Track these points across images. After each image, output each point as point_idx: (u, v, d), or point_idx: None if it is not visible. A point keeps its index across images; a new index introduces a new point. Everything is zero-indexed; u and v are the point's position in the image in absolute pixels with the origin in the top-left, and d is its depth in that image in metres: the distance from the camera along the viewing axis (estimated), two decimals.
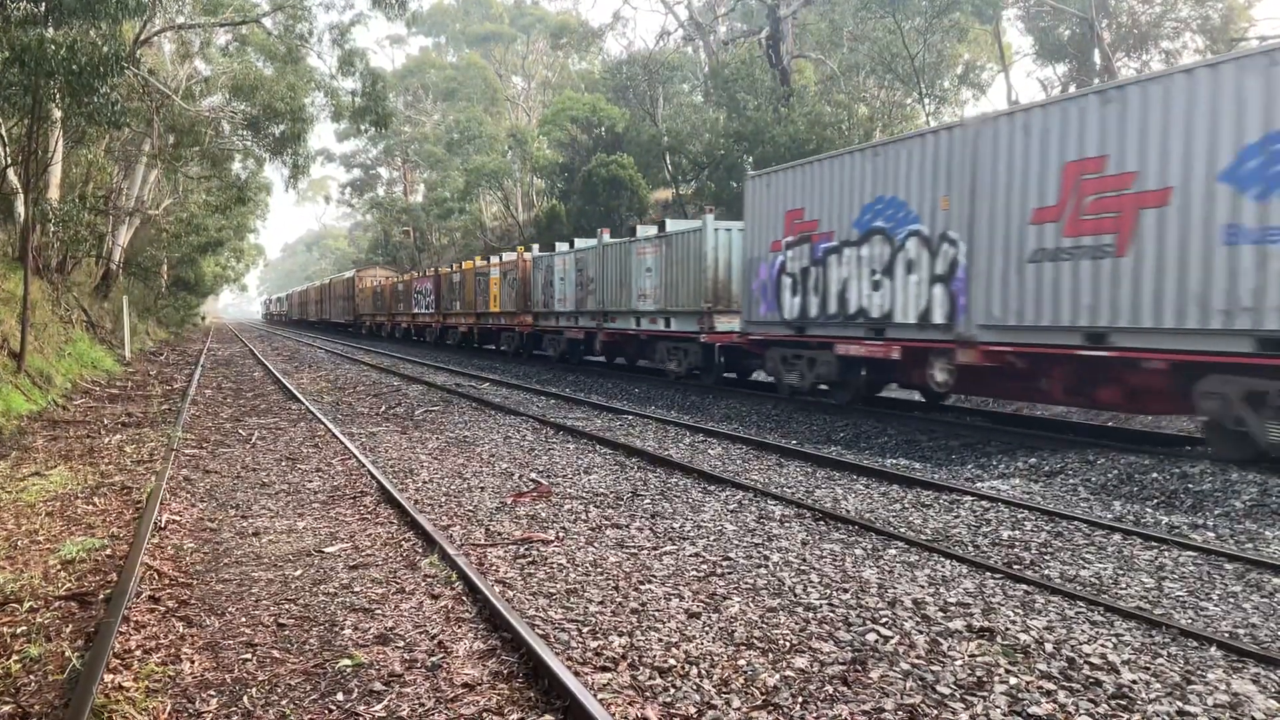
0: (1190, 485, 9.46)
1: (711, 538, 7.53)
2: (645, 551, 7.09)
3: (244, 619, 5.65)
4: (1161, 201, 10.26)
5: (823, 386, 16.52)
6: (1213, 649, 5.18)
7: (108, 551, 7.10)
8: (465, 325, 36.93)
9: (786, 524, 8.05)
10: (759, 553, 7.06)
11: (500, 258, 33.71)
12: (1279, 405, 9.43)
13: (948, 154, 13.15)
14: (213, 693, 4.59)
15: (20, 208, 18.57)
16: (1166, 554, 7.19)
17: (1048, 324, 11.56)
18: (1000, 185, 12.26)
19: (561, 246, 27.94)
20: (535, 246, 31.56)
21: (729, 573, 6.52)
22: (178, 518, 8.18)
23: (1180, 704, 4.43)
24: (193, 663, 4.95)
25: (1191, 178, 9.97)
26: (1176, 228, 10.11)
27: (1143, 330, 10.49)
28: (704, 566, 6.67)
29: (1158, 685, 4.65)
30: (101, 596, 5.96)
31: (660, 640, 5.18)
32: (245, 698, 4.54)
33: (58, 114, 19.76)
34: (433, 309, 41.64)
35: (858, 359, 15.05)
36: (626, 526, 7.91)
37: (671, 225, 21.57)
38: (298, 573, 6.60)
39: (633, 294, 22.61)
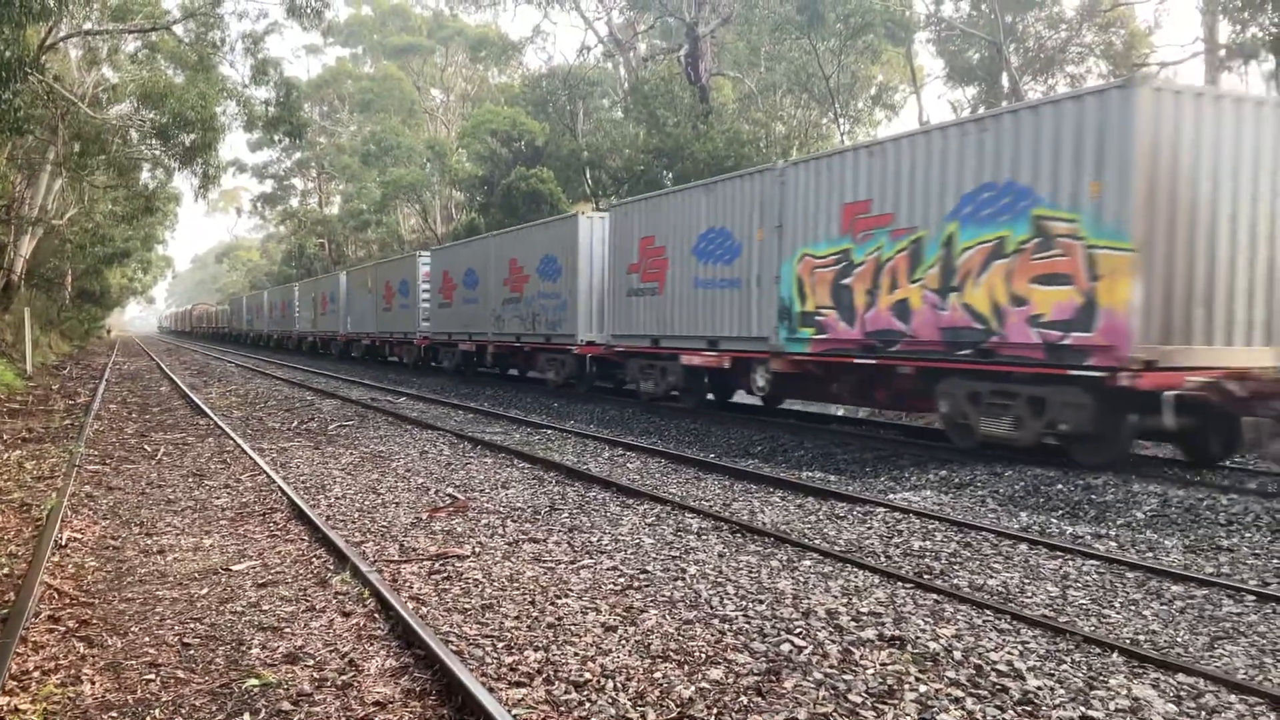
0: (1094, 496, 9.73)
1: (629, 551, 7.52)
2: (562, 565, 7.07)
3: (147, 639, 5.49)
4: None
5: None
6: (1115, 655, 5.33)
7: (5, 570, 6.84)
8: (216, 329, 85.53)
9: (704, 536, 8.08)
10: (676, 565, 7.07)
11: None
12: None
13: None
14: (114, 714, 4.45)
15: None
16: (1071, 563, 7.38)
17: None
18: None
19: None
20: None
21: (646, 585, 6.52)
22: (79, 535, 7.92)
23: (1084, 709, 4.54)
24: (94, 684, 4.79)
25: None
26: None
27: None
28: (621, 580, 6.67)
29: (1062, 691, 4.76)
30: None
31: (576, 654, 5.16)
32: (148, 719, 4.41)
33: None
34: (205, 325, 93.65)
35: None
36: (544, 540, 7.87)
37: None
38: (204, 591, 6.44)
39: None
